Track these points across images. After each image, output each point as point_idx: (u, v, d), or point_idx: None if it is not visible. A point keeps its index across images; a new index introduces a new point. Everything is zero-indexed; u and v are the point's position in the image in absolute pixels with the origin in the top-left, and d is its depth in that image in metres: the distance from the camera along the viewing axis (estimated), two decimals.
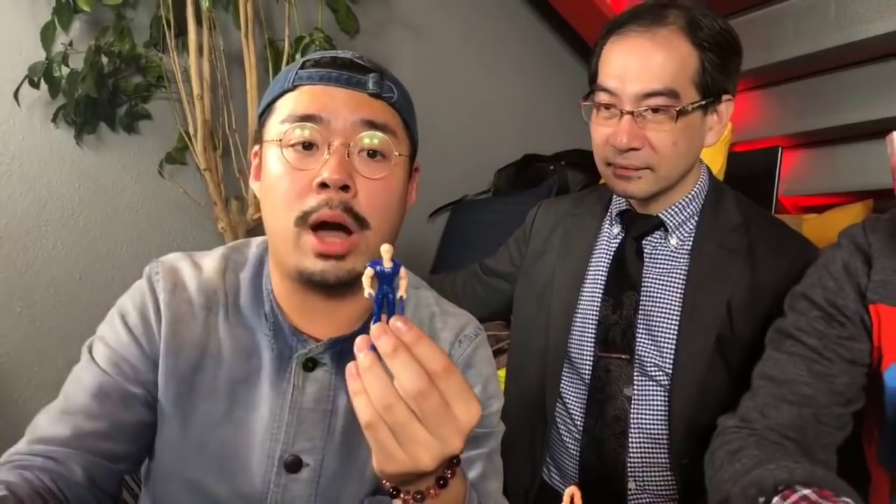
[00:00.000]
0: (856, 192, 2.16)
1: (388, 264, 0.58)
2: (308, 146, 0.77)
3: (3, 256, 1.79)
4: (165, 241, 1.98)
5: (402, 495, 0.62)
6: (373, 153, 0.78)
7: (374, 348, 0.55)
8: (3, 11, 1.74)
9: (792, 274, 1.06)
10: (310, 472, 0.82)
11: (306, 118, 0.77)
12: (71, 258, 1.87)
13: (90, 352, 0.83)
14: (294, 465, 0.82)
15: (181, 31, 1.80)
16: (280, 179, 0.77)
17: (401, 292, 0.58)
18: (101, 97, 1.77)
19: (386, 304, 0.57)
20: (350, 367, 0.55)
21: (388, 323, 0.55)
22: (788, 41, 2.15)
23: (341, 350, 0.83)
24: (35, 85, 1.68)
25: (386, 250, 0.58)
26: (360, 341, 0.55)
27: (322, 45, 1.80)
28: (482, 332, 0.95)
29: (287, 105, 0.79)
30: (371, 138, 0.77)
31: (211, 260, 0.88)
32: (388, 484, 0.62)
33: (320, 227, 0.76)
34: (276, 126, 0.79)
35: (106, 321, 0.85)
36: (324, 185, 0.74)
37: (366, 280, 0.58)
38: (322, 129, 0.76)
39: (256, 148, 0.85)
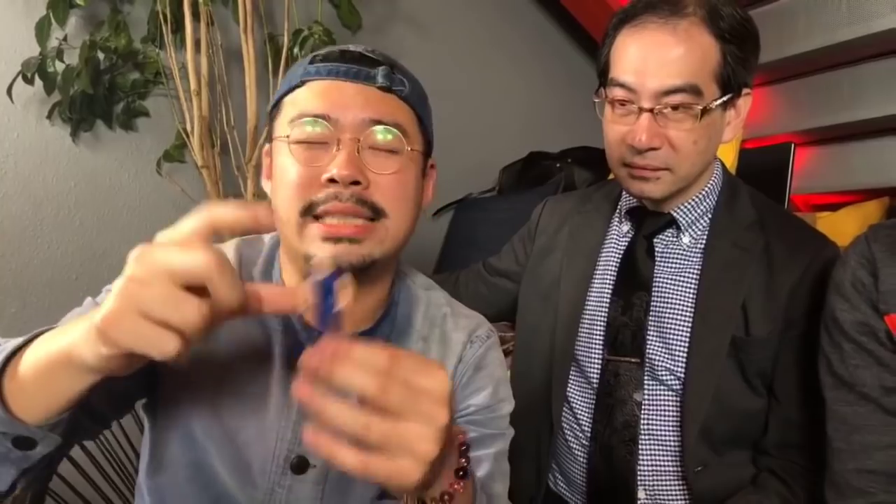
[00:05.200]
0: (870, 189, 2.11)
1: (328, 270, 0.54)
2: (317, 142, 0.75)
3: None
4: None
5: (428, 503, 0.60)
6: (382, 151, 0.76)
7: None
8: None
9: (809, 274, 1.03)
10: (316, 473, 0.80)
11: (314, 116, 0.75)
12: (67, 258, 1.84)
13: (96, 300, 0.79)
14: (300, 467, 0.79)
15: (179, 27, 1.77)
16: (288, 174, 0.76)
17: (341, 303, 0.53)
18: (97, 94, 1.74)
19: (325, 312, 0.53)
20: (307, 432, 0.51)
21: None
22: (799, 36, 2.10)
23: None
24: (29, 81, 1.64)
25: (325, 261, 0.57)
26: (300, 389, 0.50)
27: (321, 39, 1.76)
28: (494, 335, 0.93)
29: (295, 102, 0.78)
30: (381, 134, 0.76)
31: (227, 249, 0.86)
32: (411, 501, 0.60)
33: (327, 216, 0.73)
34: (284, 124, 0.78)
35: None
36: (332, 181, 0.73)
37: (307, 293, 0.54)
38: (331, 126, 0.75)
39: (267, 147, 0.83)
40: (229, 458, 0.78)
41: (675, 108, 1.00)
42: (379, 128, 0.75)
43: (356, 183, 0.73)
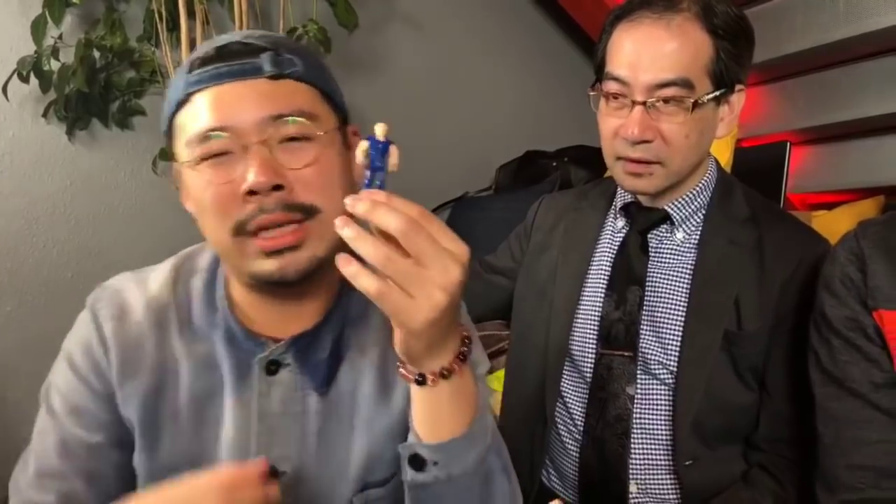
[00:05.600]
0: (866, 188, 2.11)
1: (381, 137, 0.61)
2: (224, 158, 0.70)
3: None
4: (159, 239, 1.93)
5: (428, 377, 0.64)
6: (294, 141, 0.71)
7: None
8: None
9: (800, 271, 1.04)
10: (288, 480, 0.77)
11: (211, 132, 0.70)
12: (63, 256, 1.85)
13: (48, 401, 0.79)
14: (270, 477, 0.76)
15: (175, 25, 1.77)
16: (205, 198, 0.71)
17: (391, 166, 0.61)
18: (92, 92, 1.74)
19: (377, 174, 0.61)
20: (339, 257, 0.57)
21: None
22: (796, 34, 2.10)
23: (304, 348, 0.78)
24: (24, 79, 1.65)
25: (380, 126, 0.61)
26: (339, 220, 0.56)
27: (316, 38, 1.77)
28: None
29: (186, 122, 0.72)
30: (287, 127, 0.70)
31: (158, 274, 0.83)
32: (411, 370, 0.64)
33: (261, 231, 0.70)
34: (183, 147, 0.72)
35: (56, 363, 0.81)
36: (252, 192, 0.68)
37: (359, 152, 0.61)
38: (232, 136, 0.70)
39: (176, 166, 0.76)
40: None
41: (667, 101, 1.01)
42: (282, 121, 0.70)
43: (278, 188, 0.69)
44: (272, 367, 0.77)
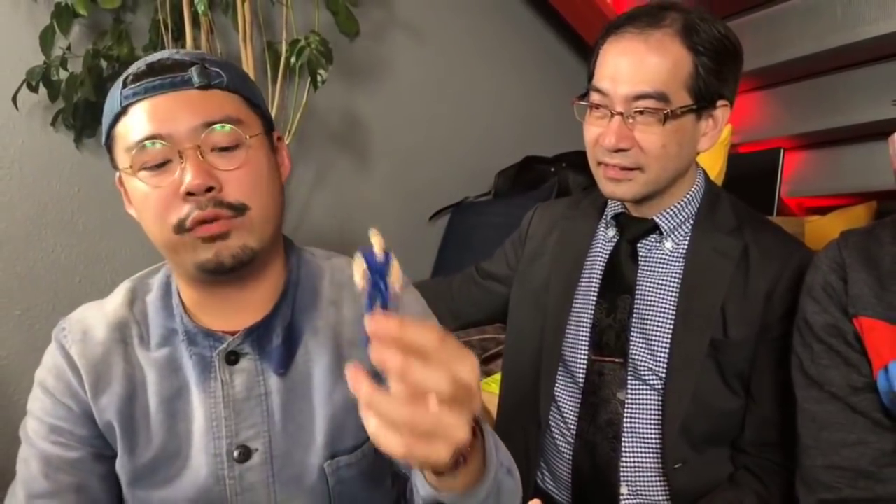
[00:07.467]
0: (860, 193, 2.14)
1: (379, 253, 0.54)
2: (161, 164, 0.77)
3: (2, 260, 1.79)
4: None
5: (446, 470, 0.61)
6: (224, 147, 0.78)
7: (366, 341, 0.51)
8: (2, 15, 1.74)
9: (784, 279, 1.07)
10: (260, 456, 0.85)
11: (148, 139, 0.76)
12: (71, 261, 1.88)
13: (26, 431, 0.86)
14: (243, 455, 0.84)
15: (180, 35, 1.80)
16: (146, 202, 0.78)
17: (394, 284, 0.54)
18: (100, 101, 1.76)
19: (379, 297, 0.54)
20: (363, 413, 0.53)
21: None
22: (793, 41, 2.13)
23: (259, 336, 0.86)
24: (33, 89, 1.68)
25: (375, 238, 0.55)
26: (352, 376, 0.51)
27: (318, 49, 1.79)
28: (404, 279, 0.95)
29: (125, 131, 0.78)
30: (217, 134, 0.77)
31: (116, 296, 0.91)
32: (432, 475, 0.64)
33: (197, 226, 0.77)
34: (123, 155, 0.79)
35: (31, 395, 0.88)
36: (190, 194, 0.76)
37: (357, 271, 0.55)
38: (167, 143, 0.76)
39: (118, 174, 0.84)
40: (178, 478, 0.84)
41: (643, 112, 1.05)
42: (213, 128, 0.77)
43: (211, 188, 0.76)
44: (232, 358, 0.85)
